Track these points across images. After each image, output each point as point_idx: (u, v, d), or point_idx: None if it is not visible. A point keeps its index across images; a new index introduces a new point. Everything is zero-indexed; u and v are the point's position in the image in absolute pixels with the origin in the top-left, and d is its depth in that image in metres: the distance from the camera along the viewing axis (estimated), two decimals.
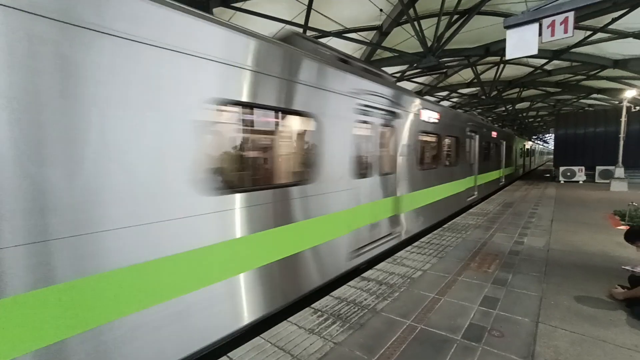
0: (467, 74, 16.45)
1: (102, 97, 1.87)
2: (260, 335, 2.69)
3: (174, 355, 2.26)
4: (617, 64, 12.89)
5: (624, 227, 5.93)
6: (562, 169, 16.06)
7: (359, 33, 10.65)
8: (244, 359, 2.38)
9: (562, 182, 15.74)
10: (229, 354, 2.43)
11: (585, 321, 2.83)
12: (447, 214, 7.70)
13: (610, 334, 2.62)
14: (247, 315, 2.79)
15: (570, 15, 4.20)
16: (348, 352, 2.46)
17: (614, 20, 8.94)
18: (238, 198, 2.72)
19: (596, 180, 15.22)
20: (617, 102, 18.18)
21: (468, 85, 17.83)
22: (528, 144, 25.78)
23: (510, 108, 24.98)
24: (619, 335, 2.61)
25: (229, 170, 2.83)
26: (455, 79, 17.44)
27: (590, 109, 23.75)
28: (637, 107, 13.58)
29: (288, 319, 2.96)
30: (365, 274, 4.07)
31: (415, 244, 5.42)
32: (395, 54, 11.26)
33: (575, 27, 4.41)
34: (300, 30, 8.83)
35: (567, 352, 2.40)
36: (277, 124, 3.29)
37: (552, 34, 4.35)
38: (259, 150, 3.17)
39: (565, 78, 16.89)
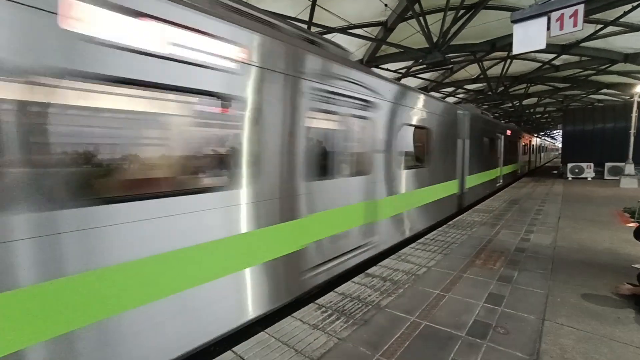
0: (473, 70, 16.23)
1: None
2: (265, 330, 2.71)
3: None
4: (628, 58, 12.60)
5: (633, 225, 5.83)
6: (570, 165, 15.84)
7: (364, 29, 10.57)
8: (249, 354, 2.40)
9: (570, 178, 15.52)
10: (233, 349, 2.46)
11: (592, 319, 2.80)
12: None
13: (617, 332, 2.59)
14: None
15: (580, 8, 4.11)
16: (352, 348, 2.47)
17: (626, 13, 8.73)
18: None
19: (605, 177, 14.97)
20: (627, 98, 17.80)
21: (474, 81, 17.60)
22: (535, 140, 25.31)
23: (517, 104, 24.64)
24: (626, 333, 2.58)
25: None
26: (461, 74, 17.22)
27: (600, 104, 23.34)
28: None
29: (292, 314, 2.98)
30: (369, 270, 4.07)
31: (420, 240, 5.40)
32: (401, 50, 11.17)
33: (585, 21, 4.31)
34: (305, 26, 8.80)
35: (573, 349, 2.38)
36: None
37: (561, 28, 4.26)
38: None
39: (574, 73, 16.57)
